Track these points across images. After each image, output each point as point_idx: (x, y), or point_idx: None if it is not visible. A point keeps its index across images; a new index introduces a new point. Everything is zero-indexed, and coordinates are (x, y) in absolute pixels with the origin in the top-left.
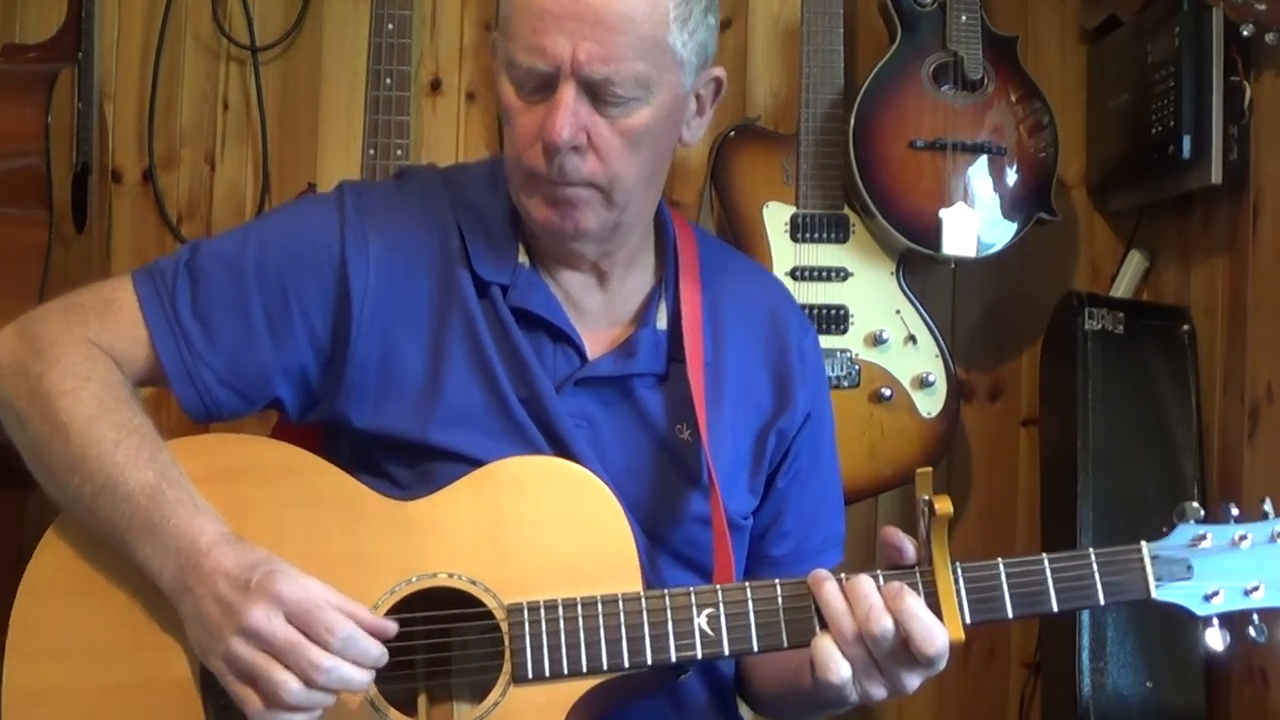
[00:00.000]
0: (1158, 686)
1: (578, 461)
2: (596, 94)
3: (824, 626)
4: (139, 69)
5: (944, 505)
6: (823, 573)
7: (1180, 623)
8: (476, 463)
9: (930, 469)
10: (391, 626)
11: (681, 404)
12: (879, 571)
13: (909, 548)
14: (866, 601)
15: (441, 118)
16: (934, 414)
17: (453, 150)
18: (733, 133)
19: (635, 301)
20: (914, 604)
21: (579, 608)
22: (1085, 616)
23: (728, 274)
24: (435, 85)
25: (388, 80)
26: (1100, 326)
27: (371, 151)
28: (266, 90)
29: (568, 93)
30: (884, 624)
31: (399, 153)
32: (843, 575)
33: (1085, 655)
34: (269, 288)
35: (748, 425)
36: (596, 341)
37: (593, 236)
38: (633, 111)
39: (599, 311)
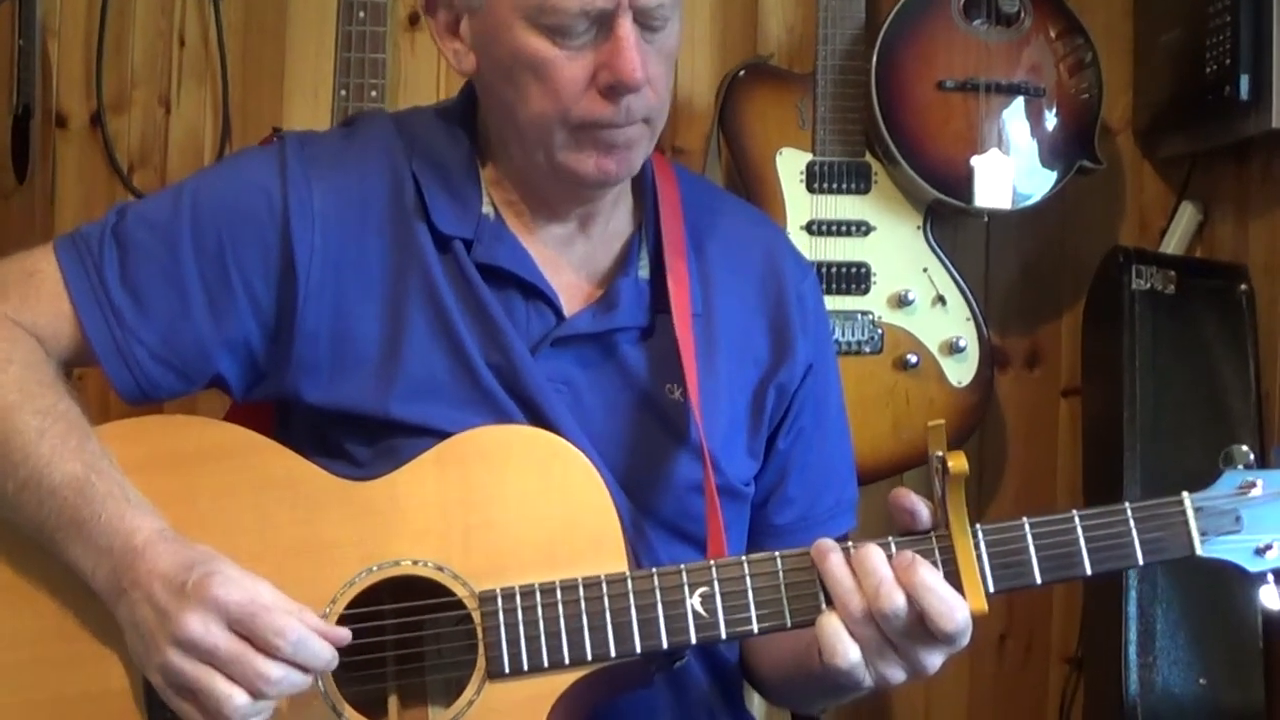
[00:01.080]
0: (1212, 683)
1: (556, 429)
2: (644, 21)
3: (830, 603)
4: (86, 2)
5: (958, 462)
6: (827, 543)
7: (1237, 612)
8: (441, 435)
9: (942, 422)
10: (343, 634)
11: (669, 360)
12: (890, 539)
13: (923, 510)
14: (875, 575)
15: (421, 56)
16: (965, 383)
17: (433, 91)
18: (742, 72)
19: (615, 248)
20: (928, 576)
21: (558, 593)
22: (1133, 608)
23: (714, 215)
24: (414, 20)
25: (361, 14)
26: (1149, 286)
27: (343, 93)
28: (227, 25)
29: (627, 27)
30: (895, 601)
31: (373, 94)
32: (850, 545)
33: (1132, 649)
34: (205, 253)
35: (744, 381)
36: (573, 296)
37: (628, 176)
38: (670, 31)
39: (577, 262)
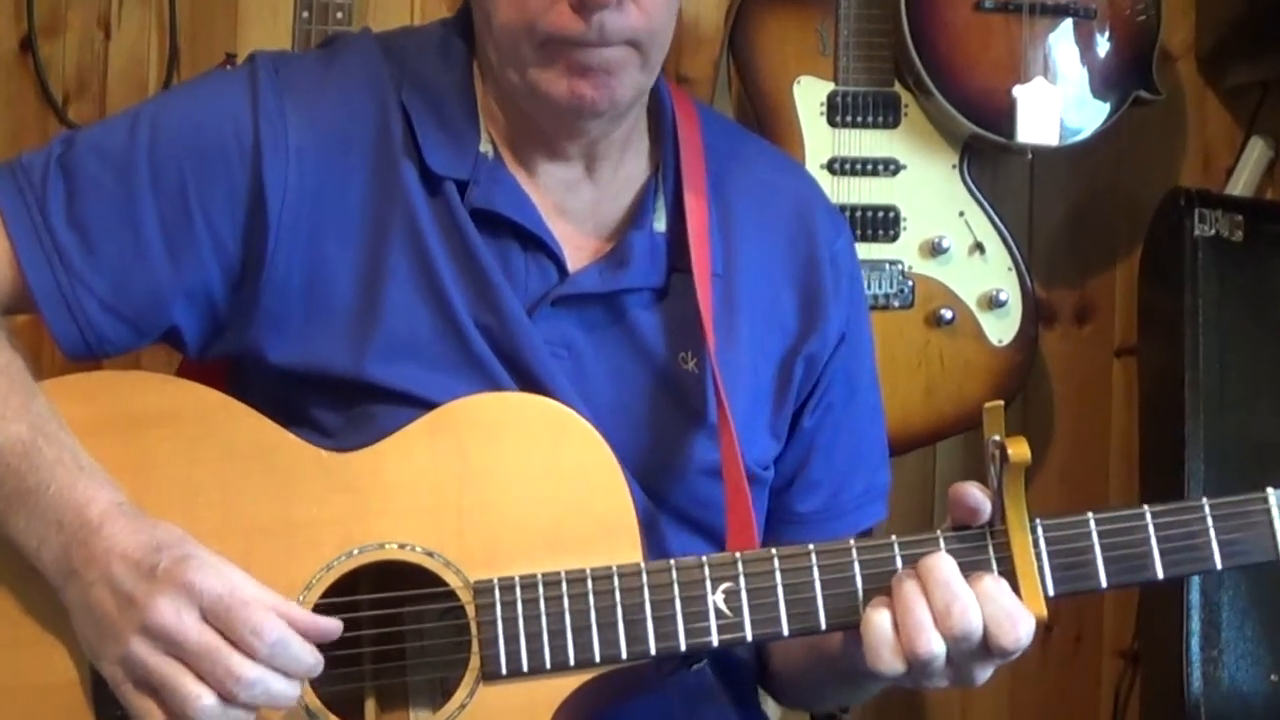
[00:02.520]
0: None
1: (553, 398)
2: None
3: (872, 601)
4: None
5: (1019, 449)
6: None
7: None
8: (423, 403)
9: (1001, 403)
10: (333, 625)
11: (685, 326)
12: (939, 533)
13: (988, 509)
14: (948, 589)
15: None
16: (1006, 341)
17: (406, 12)
18: None
19: (627, 197)
20: (990, 585)
21: (563, 585)
22: (1195, 596)
23: (740, 162)
24: None
25: None
26: (1214, 232)
27: (305, 14)
28: None
29: None
30: (970, 621)
31: (339, 15)
32: (893, 538)
33: (1195, 642)
34: (164, 190)
35: (768, 351)
36: (578, 249)
37: (620, 110)
38: None
39: (584, 212)
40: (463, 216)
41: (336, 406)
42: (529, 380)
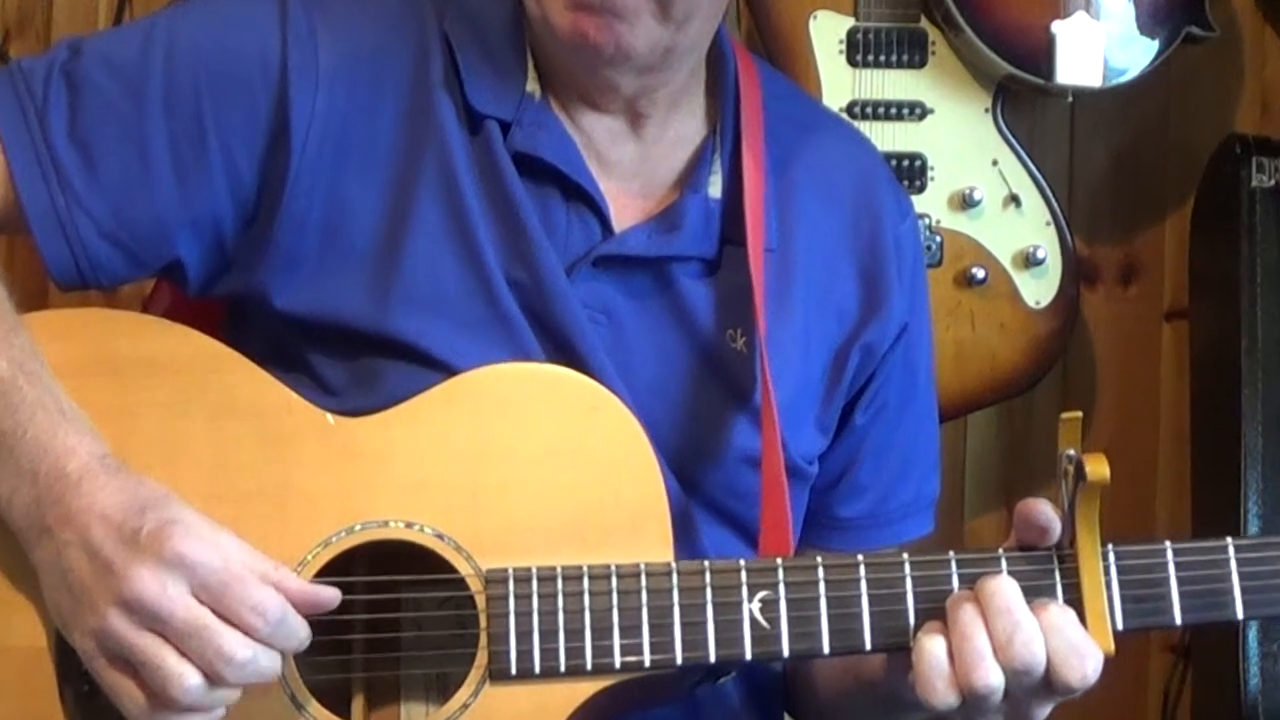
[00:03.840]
0: None
1: (585, 368)
2: None
3: (924, 625)
4: None
5: (1098, 468)
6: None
7: None
8: (438, 364)
9: (1079, 414)
10: (332, 594)
11: (736, 301)
12: (1000, 551)
13: (1058, 529)
14: (1010, 617)
15: None
16: (1044, 303)
17: None
18: None
19: (680, 157)
20: (1057, 615)
21: (585, 580)
22: None
23: (802, 130)
24: None
25: None
26: (1272, 183)
27: None
28: None
29: None
30: (1034, 654)
31: None
32: (950, 554)
33: (1253, 637)
34: (178, 110)
35: (823, 336)
36: (625, 208)
37: (637, 62)
38: None
39: (630, 167)
40: (503, 159)
41: (343, 359)
42: (561, 346)
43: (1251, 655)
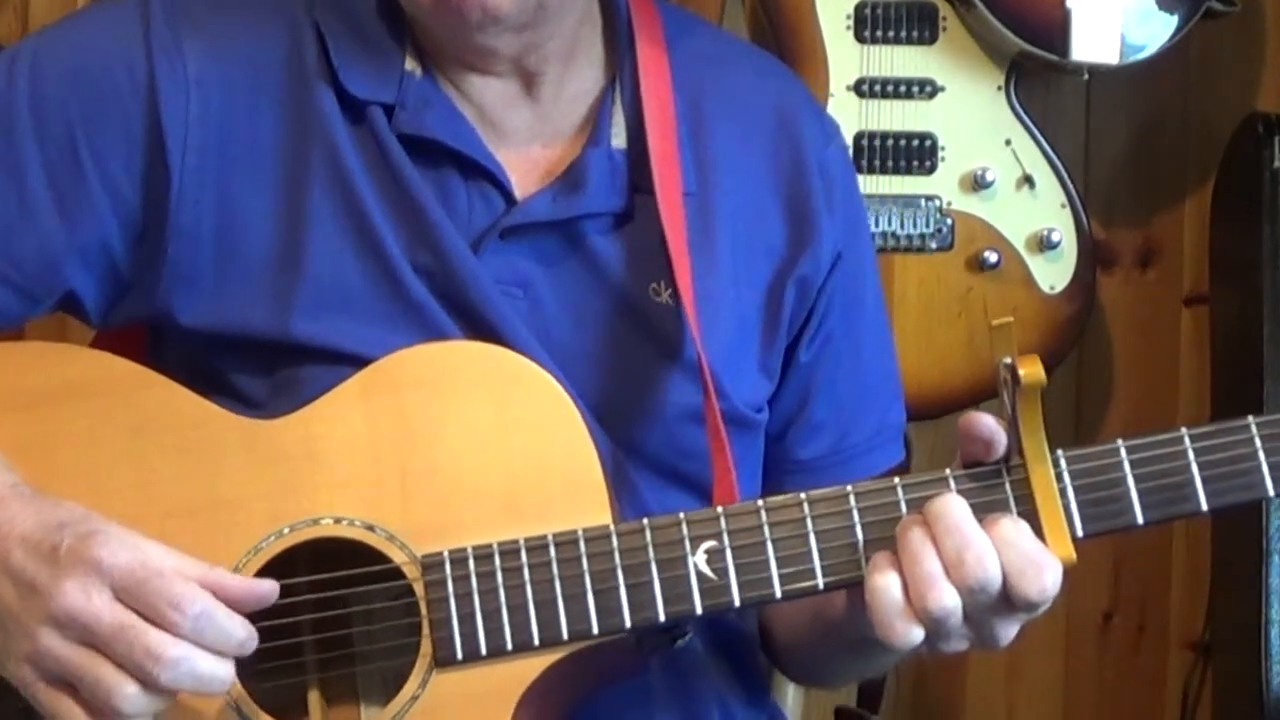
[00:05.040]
0: None
1: (508, 345)
2: None
3: (873, 560)
4: None
5: (1032, 370)
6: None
7: None
8: (356, 360)
9: (1010, 320)
10: (269, 587)
11: (654, 253)
12: (949, 473)
13: (1003, 440)
14: (959, 534)
15: None
16: (1059, 288)
17: None
18: None
19: (578, 111)
20: (1009, 529)
21: (523, 554)
22: (1276, 580)
23: (712, 65)
24: None
25: None
26: None
27: None
28: None
29: None
30: (988, 569)
31: None
32: (895, 480)
33: (1275, 633)
34: (50, 137)
35: (754, 276)
36: (527, 173)
37: (509, 23)
38: None
39: (525, 132)
40: (391, 145)
41: (260, 371)
42: (478, 325)
43: (1274, 653)
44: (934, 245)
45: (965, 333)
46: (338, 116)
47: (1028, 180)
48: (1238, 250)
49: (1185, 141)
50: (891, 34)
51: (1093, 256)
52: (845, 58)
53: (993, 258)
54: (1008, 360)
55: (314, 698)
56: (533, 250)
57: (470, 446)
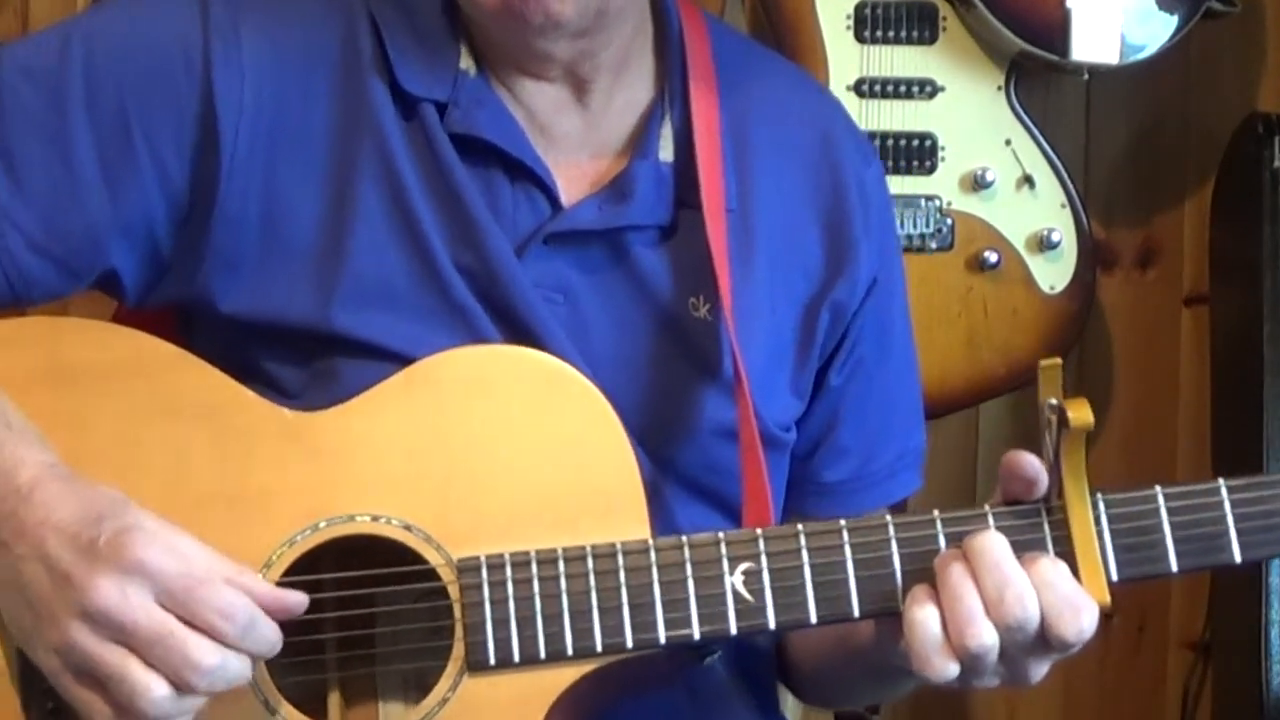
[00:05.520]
0: None
1: (545, 350)
2: None
3: (912, 593)
4: None
5: (1080, 413)
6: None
7: None
8: (395, 357)
9: (1058, 361)
10: (299, 599)
11: (696, 268)
12: (987, 508)
13: (1044, 480)
14: (1000, 572)
15: None
16: (1059, 288)
17: None
18: None
19: (627, 123)
20: (1048, 569)
21: (560, 563)
22: (1276, 579)
23: (756, 83)
24: None
25: None
26: None
27: None
28: None
29: None
30: (1027, 609)
31: None
32: (935, 513)
33: (1275, 633)
34: (102, 114)
35: (791, 297)
36: (573, 180)
37: (568, 29)
38: None
39: (575, 138)
40: (442, 143)
41: (296, 361)
42: (517, 329)
43: (1274, 654)
44: (934, 245)
45: (965, 333)
46: (390, 110)
47: (1028, 180)
48: (1238, 250)
49: (1185, 142)
50: (891, 34)
51: (1093, 256)
52: (845, 58)
53: (993, 258)
54: (1053, 401)
55: (333, 694)
56: (576, 258)
57: (511, 452)
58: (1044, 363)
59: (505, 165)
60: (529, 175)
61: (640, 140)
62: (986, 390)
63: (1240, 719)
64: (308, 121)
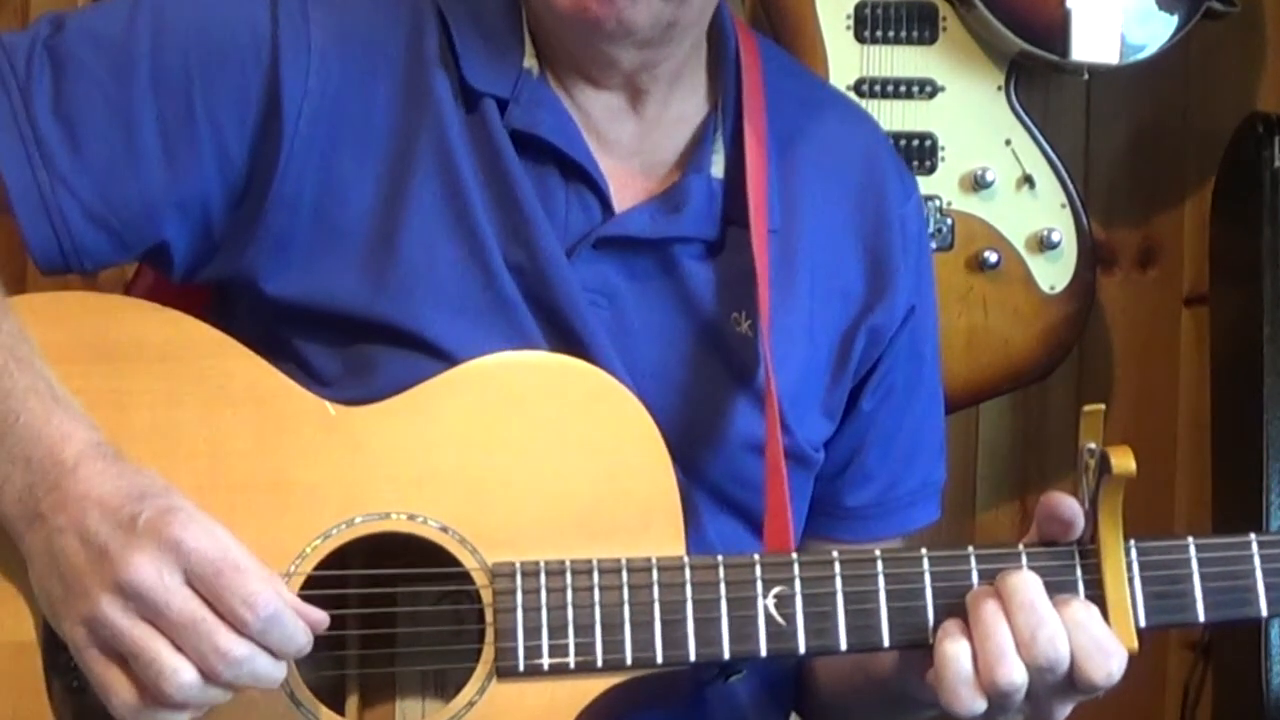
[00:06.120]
0: None
1: (586, 353)
2: None
3: (943, 627)
4: None
5: (1124, 461)
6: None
7: None
8: (436, 351)
9: (1101, 408)
10: (320, 617)
11: (739, 284)
12: (1021, 547)
13: (1080, 523)
14: (1034, 612)
15: None
16: (1059, 288)
17: None
18: None
19: (680, 136)
20: (1080, 612)
21: (595, 574)
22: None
23: (805, 108)
24: None
25: None
26: None
27: None
28: None
29: None
30: (1059, 649)
31: None
32: (970, 549)
33: (1275, 635)
34: (167, 87)
35: (828, 319)
36: (625, 187)
37: (638, 37)
38: None
39: (629, 146)
40: (501, 138)
41: (336, 347)
42: (562, 330)
43: (1274, 654)
44: (934, 245)
45: (965, 333)
46: (451, 103)
47: (1028, 180)
48: (1238, 250)
49: (1185, 142)
50: (891, 34)
51: (1093, 256)
52: (845, 57)
53: (993, 257)
54: (1092, 446)
55: (352, 691)
56: (623, 264)
57: (550, 460)
58: (1087, 408)
59: (561, 166)
60: (584, 177)
61: (693, 154)
62: (986, 390)
63: (1240, 719)
64: (370, 109)
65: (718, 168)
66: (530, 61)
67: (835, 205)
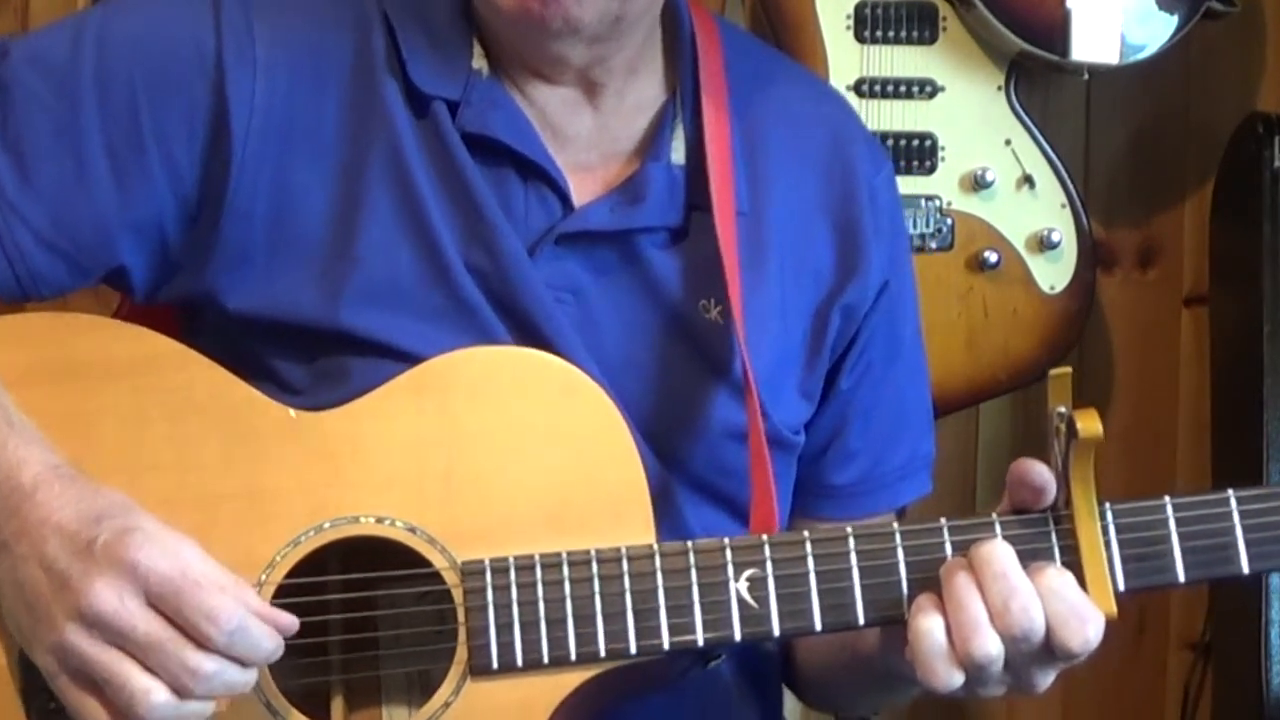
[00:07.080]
0: None
1: (555, 350)
2: None
3: (917, 603)
4: None
5: (1090, 424)
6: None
7: None
8: (403, 356)
9: (1068, 370)
10: (289, 621)
11: (706, 270)
12: (995, 517)
13: (1054, 490)
14: (1006, 581)
15: None
16: (1059, 288)
17: None
18: None
19: (639, 125)
20: (1054, 579)
21: (564, 567)
22: (1277, 579)
23: (768, 86)
24: None
25: None
26: None
27: None
28: None
29: None
30: (1033, 619)
31: None
32: (942, 521)
33: (1276, 633)
34: (113, 109)
35: (801, 300)
36: (584, 181)
37: (586, 34)
38: None
39: (587, 139)
40: (454, 141)
41: (302, 359)
42: (528, 329)
43: (1274, 654)
44: (934, 245)
45: (964, 333)
46: (401, 109)
47: (1028, 180)
48: (1237, 250)
49: (1185, 142)
50: (891, 34)
51: (1093, 256)
52: (845, 57)
53: (993, 257)
54: (1062, 410)
55: (337, 695)
56: (587, 259)
57: (517, 455)
58: (1054, 372)
59: (517, 165)
60: (541, 175)
61: (652, 142)
62: (986, 390)
63: (1240, 719)
64: (320, 119)
65: (678, 154)
66: (480, 62)
67: (803, 183)
